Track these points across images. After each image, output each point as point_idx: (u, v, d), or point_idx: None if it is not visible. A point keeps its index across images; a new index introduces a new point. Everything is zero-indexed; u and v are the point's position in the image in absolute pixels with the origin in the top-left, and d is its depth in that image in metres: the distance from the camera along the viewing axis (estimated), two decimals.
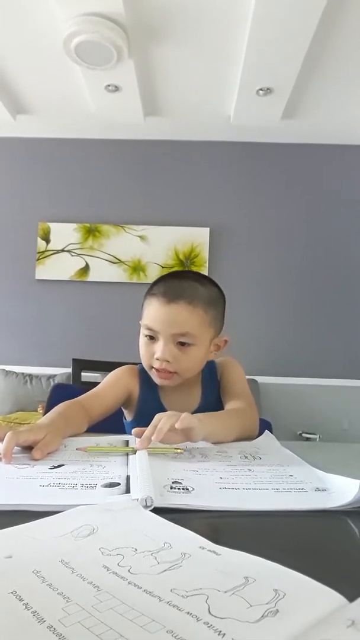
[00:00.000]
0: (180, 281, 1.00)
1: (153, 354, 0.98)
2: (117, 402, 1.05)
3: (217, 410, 1.00)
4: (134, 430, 0.77)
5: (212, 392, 1.10)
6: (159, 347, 0.96)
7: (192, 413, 1.05)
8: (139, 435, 0.74)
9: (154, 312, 0.97)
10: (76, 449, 0.72)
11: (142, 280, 3.61)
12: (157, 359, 0.97)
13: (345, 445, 1.06)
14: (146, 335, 0.99)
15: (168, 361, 0.96)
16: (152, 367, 0.99)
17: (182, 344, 0.96)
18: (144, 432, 0.73)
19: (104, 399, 1.01)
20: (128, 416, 1.12)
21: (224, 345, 1.07)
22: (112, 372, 1.09)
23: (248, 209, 3.74)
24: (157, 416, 0.75)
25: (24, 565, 0.33)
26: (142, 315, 1.02)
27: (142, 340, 1.01)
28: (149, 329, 0.98)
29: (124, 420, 1.14)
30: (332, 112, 3.32)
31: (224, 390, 1.09)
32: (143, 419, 1.06)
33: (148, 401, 1.07)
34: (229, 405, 1.02)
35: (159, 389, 1.08)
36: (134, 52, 2.69)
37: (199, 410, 1.05)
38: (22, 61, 2.89)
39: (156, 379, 1.01)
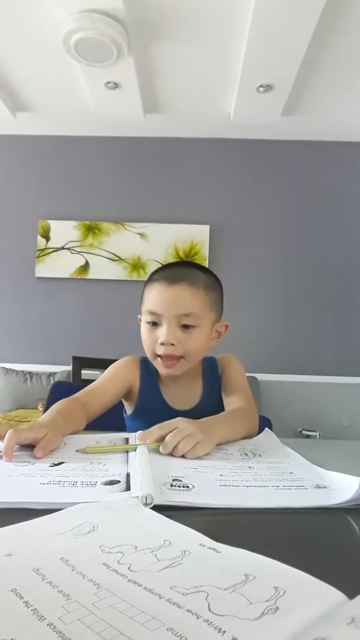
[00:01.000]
0: (180, 267, 1.02)
1: (157, 340, 0.97)
2: (116, 396, 1.05)
3: (217, 406, 1.00)
4: (140, 436, 0.76)
5: (213, 388, 1.10)
6: (162, 331, 0.96)
7: (194, 407, 1.05)
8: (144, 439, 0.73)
9: (156, 295, 0.97)
10: (76, 451, 0.72)
11: (142, 277, 3.60)
12: (162, 344, 0.96)
13: (346, 442, 1.06)
14: (149, 322, 0.99)
15: (173, 344, 0.96)
16: (157, 356, 0.99)
17: (186, 326, 0.96)
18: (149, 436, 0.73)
19: (103, 394, 1.01)
20: (128, 409, 1.12)
21: (224, 331, 1.07)
22: (112, 364, 1.09)
23: (248, 206, 3.73)
24: (168, 424, 0.74)
25: (24, 563, 0.33)
26: (143, 303, 1.02)
27: (145, 328, 1.00)
28: (152, 313, 0.97)
29: (124, 414, 1.14)
30: (332, 109, 3.32)
31: (225, 386, 1.09)
32: (144, 414, 1.06)
33: (149, 395, 1.06)
34: (229, 402, 1.02)
35: (160, 383, 1.08)
36: (133, 49, 2.68)
37: (200, 404, 1.05)
38: (22, 58, 2.88)
39: (161, 368, 1.00)
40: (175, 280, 0.97)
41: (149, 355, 1.02)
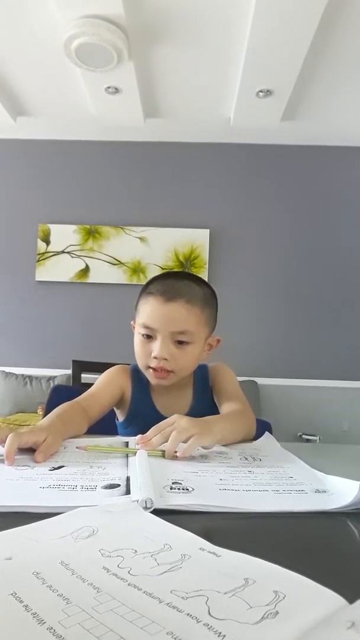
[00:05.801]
0: (177, 280, 1.01)
1: (150, 353, 0.97)
2: (112, 401, 1.06)
3: (208, 413, 0.99)
4: (138, 440, 0.76)
5: (204, 396, 1.10)
6: (156, 346, 0.96)
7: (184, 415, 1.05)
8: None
9: (152, 310, 0.97)
10: (76, 447, 0.72)
11: (142, 281, 3.60)
12: (155, 358, 0.96)
13: (345, 446, 1.06)
14: (143, 335, 0.99)
15: (166, 359, 0.96)
16: (149, 367, 0.99)
17: (180, 342, 0.97)
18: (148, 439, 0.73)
19: (100, 398, 1.01)
20: (120, 417, 1.12)
21: (216, 345, 1.07)
22: (105, 372, 1.10)
23: (248, 211, 3.74)
24: (165, 422, 0.74)
25: (24, 567, 0.33)
26: (137, 314, 1.02)
27: (138, 339, 1.00)
28: (147, 327, 0.97)
29: (117, 422, 1.14)
30: (332, 114, 3.33)
31: (218, 394, 1.09)
32: (135, 420, 1.06)
33: (140, 403, 1.07)
34: (226, 408, 1.02)
35: (151, 390, 1.08)
36: (134, 54, 2.70)
37: (191, 412, 1.05)
38: (23, 63, 2.89)
39: (152, 378, 1.01)
40: (172, 297, 0.96)
41: (140, 366, 1.02)
